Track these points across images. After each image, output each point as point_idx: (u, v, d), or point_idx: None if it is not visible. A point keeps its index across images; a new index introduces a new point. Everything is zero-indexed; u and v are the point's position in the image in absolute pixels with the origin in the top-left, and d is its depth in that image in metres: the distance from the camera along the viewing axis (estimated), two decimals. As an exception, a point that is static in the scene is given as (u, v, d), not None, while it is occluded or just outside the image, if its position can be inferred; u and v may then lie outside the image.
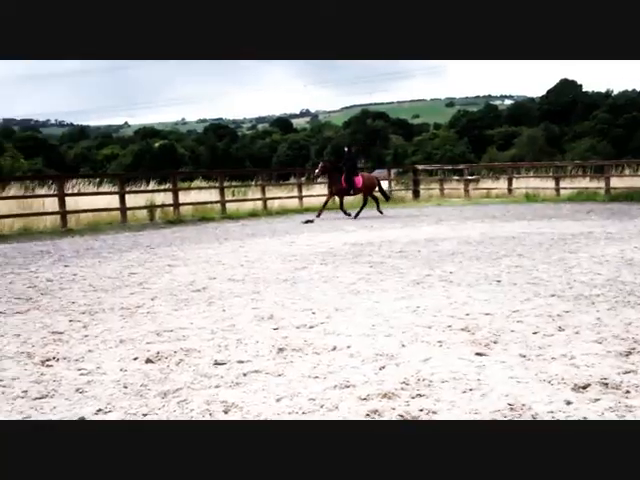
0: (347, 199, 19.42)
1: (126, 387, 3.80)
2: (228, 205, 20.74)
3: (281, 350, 4.51)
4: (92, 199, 19.05)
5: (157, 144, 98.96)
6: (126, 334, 5.07)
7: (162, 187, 22.02)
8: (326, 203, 19.26)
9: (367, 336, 4.80)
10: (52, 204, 17.47)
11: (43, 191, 19.76)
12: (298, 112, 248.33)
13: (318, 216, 18.39)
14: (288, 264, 8.74)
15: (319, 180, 21.60)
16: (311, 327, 5.14)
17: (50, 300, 6.64)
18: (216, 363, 4.23)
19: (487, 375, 3.84)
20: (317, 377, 3.89)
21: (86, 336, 5.06)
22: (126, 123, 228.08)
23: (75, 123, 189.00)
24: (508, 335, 4.74)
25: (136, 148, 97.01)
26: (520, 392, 3.54)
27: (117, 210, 18.00)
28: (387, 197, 20.57)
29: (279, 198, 23.07)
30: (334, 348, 4.52)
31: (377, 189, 19.64)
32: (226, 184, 22.14)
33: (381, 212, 19.09)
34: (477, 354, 4.28)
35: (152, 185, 22.41)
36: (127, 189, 19.43)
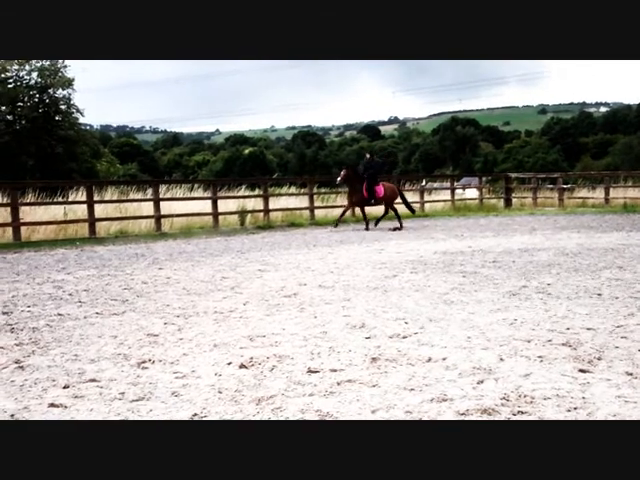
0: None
1: (221, 392, 3.80)
2: (317, 211, 20.82)
3: (374, 360, 4.42)
4: (185, 204, 19.48)
5: (247, 151, 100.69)
6: (220, 338, 5.09)
7: (253, 193, 22.31)
8: (344, 213, 18.73)
9: (463, 348, 4.66)
10: (147, 208, 17.96)
11: (138, 195, 20.32)
12: (386, 119, 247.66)
13: (336, 226, 18.00)
14: (378, 272, 8.65)
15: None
16: (404, 337, 5.04)
17: (145, 302, 6.77)
18: (309, 371, 4.19)
19: (592, 393, 3.65)
20: (413, 389, 3.78)
21: (181, 339, 5.12)
22: (217, 130, 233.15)
23: (169, 130, 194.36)
24: (612, 352, 4.51)
25: (226, 155, 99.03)
26: (629, 412, 3.34)
27: (209, 215, 18.35)
28: (412, 209, 19.30)
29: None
30: (429, 359, 4.41)
31: (399, 200, 18.52)
32: (315, 191, 22.25)
33: (401, 226, 17.89)
34: (581, 371, 4.08)
35: (243, 191, 22.69)
36: (219, 195, 19.77)
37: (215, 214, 18.36)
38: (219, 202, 18.85)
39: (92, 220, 16.26)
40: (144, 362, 4.49)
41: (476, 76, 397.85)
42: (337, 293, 7.06)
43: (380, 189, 18.01)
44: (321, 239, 14.66)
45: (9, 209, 15.50)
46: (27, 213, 16.48)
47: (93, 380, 4.07)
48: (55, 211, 17.44)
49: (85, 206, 16.59)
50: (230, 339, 5.07)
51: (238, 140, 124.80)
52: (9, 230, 15.33)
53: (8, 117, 55.16)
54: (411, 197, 24.68)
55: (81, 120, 59.30)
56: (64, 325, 5.71)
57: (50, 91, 55.55)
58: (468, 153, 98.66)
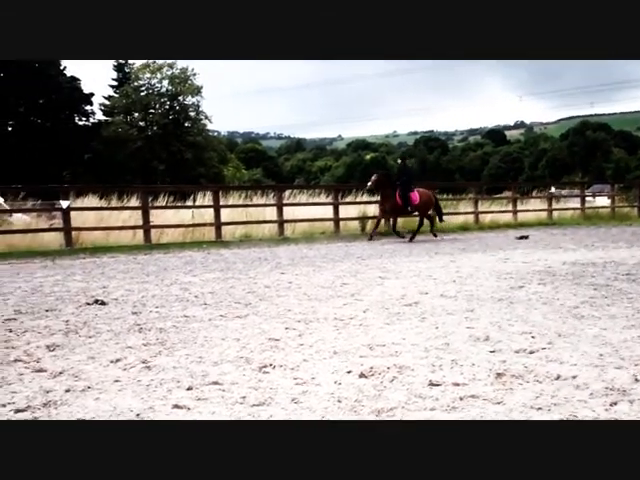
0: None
1: (340, 401, 3.76)
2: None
3: (499, 375, 4.25)
4: (308, 209, 19.71)
5: (368, 156, 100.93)
6: (340, 346, 5.06)
7: (373, 199, 22.29)
8: (379, 223, 17.63)
9: (595, 367, 4.40)
10: (271, 213, 18.30)
11: (262, 200, 20.78)
12: (512, 124, 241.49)
13: (370, 239, 16.89)
14: (503, 282, 8.37)
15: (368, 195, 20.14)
16: (531, 352, 4.82)
17: (267, 306, 6.85)
18: (431, 384, 4.08)
19: None
20: (540, 408, 3.59)
21: (301, 345, 5.12)
22: (339, 136, 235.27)
23: (292, 136, 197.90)
24: None
25: (348, 160, 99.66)
26: None
27: (331, 220, 18.47)
28: (441, 217, 18.13)
29: (491, 212, 22.46)
30: (558, 377, 4.18)
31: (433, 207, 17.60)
32: (437, 197, 21.97)
33: (435, 235, 17.14)
34: None
35: (364, 197, 22.73)
36: (341, 200, 19.88)
37: (336, 220, 18.49)
38: (340, 207, 18.95)
39: (218, 224, 16.76)
40: (265, 366, 4.51)
41: (608, 79, 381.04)
42: (460, 303, 6.88)
43: (415, 196, 16.95)
44: (443, 247, 14.42)
45: (141, 212, 16.22)
46: (157, 216, 17.18)
47: (216, 383, 4.12)
48: (183, 215, 18.11)
49: (212, 210, 17.11)
50: (350, 347, 5.02)
51: (360, 145, 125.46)
52: (140, 232, 16.04)
53: (141, 123, 57.93)
54: (539, 204, 23.94)
55: (209, 127, 61.55)
56: (189, 327, 5.85)
57: (180, 98, 57.89)
58: (599, 159, 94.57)
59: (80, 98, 55.86)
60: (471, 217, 21.56)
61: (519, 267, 9.98)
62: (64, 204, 15.23)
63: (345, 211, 19.60)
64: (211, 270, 10.35)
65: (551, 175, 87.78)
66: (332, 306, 6.81)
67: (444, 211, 18.48)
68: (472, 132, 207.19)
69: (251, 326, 5.85)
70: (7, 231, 15.32)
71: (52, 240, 15.26)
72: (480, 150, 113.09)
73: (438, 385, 4.04)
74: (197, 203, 19.27)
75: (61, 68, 55.21)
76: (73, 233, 15.15)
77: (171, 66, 57.00)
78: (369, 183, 17.31)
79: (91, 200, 19.58)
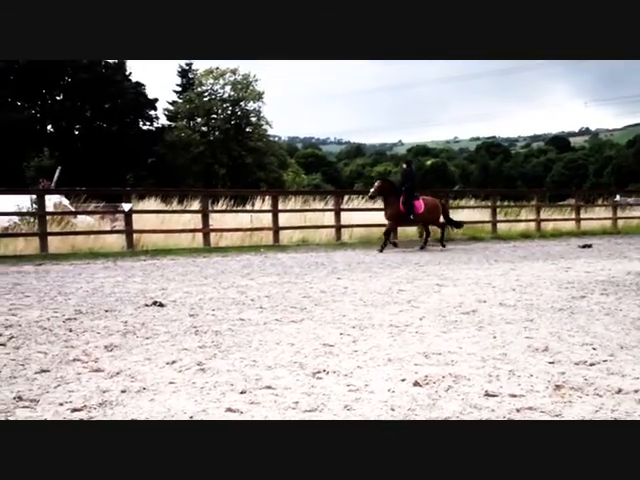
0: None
1: (393, 410, 3.70)
2: (499, 225, 20.24)
3: (558, 387, 4.13)
4: (365, 214, 19.65)
5: (428, 162, 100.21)
6: (394, 353, 5.00)
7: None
8: (395, 232, 16.82)
9: (659, 381, 4.24)
10: (328, 218, 18.31)
11: (320, 205, 20.82)
12: (576, 130, 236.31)
13: (395, 245, 16.16)
14: (564, 291, 8.17)
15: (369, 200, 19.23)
16: (592, 364, 4.67)
17: (323, 311, 6.83)
18: (487, 394, 3.99)
19: None
20: (600, 422, 3.47)
21: (355, 351, 5.08)
22: (400, 141, 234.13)
23: (352, 141, 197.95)
24: None
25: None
26: None
27: (388, 226, 18.37)
28: (458, 225, 17.38)
29: (554, 220, 22.02)
30: (619, 391, 4.04)
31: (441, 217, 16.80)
32: (498, 203, 21.64)
33: (444, 245, 16.33)
34: None
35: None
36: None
37: (394, 225, 18.38)
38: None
39: (276, 228, 16.85)
40: (319, 372, 4.49)
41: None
42: (519, 312, 6.74)
43: (419, 204, 16.05)
44: (503, 254, 14.18)
45: (201, 215, 16.43)
46: (217, 220, 17.38)
47: (269, 387, 4.12)
48: (242, 218, 18.26)
49: (270, 215, 17.23)
50: (405, 354, 4.96)
51: (420, 151, 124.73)
52: (199, 235, 16.25)
53: (203, 128, 58.78)
54: (603, 213, 23.38)
55: (270, 132, 62.00)
56: (245, 330, 5.88)
57: (242, 104, 58.51)
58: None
59: (145, 103, 57.05)
60: (532, 225, 21.18)
61: (581, 276, 9.73)
62: (126, 207, 15.55)
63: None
64: (268, 274, 10.40)
65: (617, 183, 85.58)
66: (388, 313, 6.75)
67: (503, 218, 18.04)
68: (535, 138, 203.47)
69: (306, 331, 5.84)
70: (71, 232, 15.70)
71: (114, 242, 15.59)
72: (543, 157, 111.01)
73: (494, 396, 3.95)
74: (256, 207, 19.42)
75: (127, 74, 56.49)
76: (134, 235, 15.44)
77: (234, 72, 57.74)
78: (372, 190, 16.60)
79: (152, 203, 19.94)
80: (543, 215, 22.04)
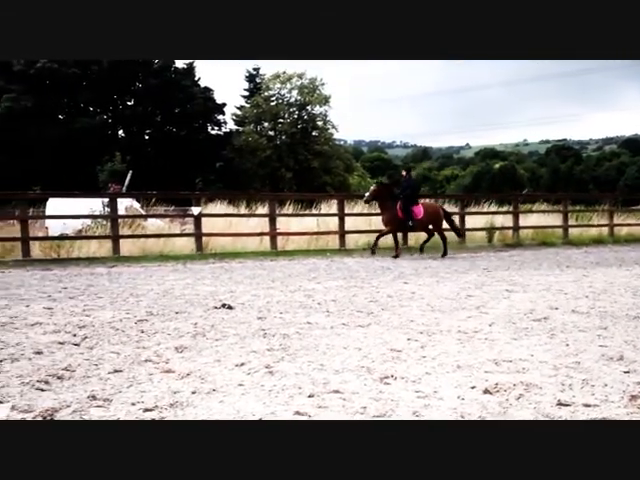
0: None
1: (463, 417, 3.65)
2: (571, 230, 19.78)
3: (634, 397, 3.99)
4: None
5: (497, 165, 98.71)
6: (463, 359, 4.93)
7: (502, 209, 21.73)
8: (395, 237, 15.68)
9: None
10: (394, 222, 18.19)
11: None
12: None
13: (396, 256, 14.93)
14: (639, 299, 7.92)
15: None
16: (671, 375, 4.51)
17: (390, 316, 6.80)
18: (559, 404, 3.89)
19: None
20: (681, 436, 3.35)
21: (423, 357, 5.03)
22: (467, 144, 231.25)
23: (418, 145, 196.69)
24: None
25: (475, 169, 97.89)
26: None
27: (456, 230, 18.17)
28: (459, 233, 16.58)
29: (628, 225, 21.40)
30: (700, 403, 3.89)
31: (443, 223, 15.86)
32: (569, 208, 21.15)
33: (445, 253, 15.42)
34: None
35: (491, 207, 22.19)
36: (467, 210, 19.55)
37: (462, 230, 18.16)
38: (466, 217, 18.62)
39: (342, 232, 16.87)
40: (387, 377, 4.46)
41: None
42: (592, 320, 6.56)
43: (419, 209, 15.39)
44: (575, 260, 13.85)
45: (268, 219, 16.58)
46: (283, 223, 17.49)
47: (337, 391, 4.11)
48: (308, 222, 18.32)
49: (336, 218, 17.25)
50: (474, 361, 4.88)
51: (488, 154, 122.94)
52: (266, 239, 16.39)
53: (270, 133, 59.30)
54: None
55: (335, 135, 62.11)
56: (312, 334, 5.89)
57: (308, 108, 58.80)
58: None
59: (213, 108, 57.92)
60: (605, 229, 20.63)
61: (658, 283, 9.42)
62: (196, 210, 15.80)
63: (472, 221, 19.23)
64: (334, 278, 10.42)
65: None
66: (456, 318, 6.66)
67: (574, 222, 17.43)
68: (607, 141, 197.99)
69: (373, 336, 5.82)
70: (142, 235, 16.05)
71: (184, 245, 15.86)
72: (616, 160, 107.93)
73: (567, 405, 3.85)
74: (322, 211, 19.47)
75: (195, 79, 57.50)
76: (203, 238, 15.68)
77: (300, 76, 58.11)
78: (367, 194, 15.99)
79: (221, 207, 20.22)
80: (616, 220, 21.45)
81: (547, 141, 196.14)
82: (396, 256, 14.82)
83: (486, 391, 4.13)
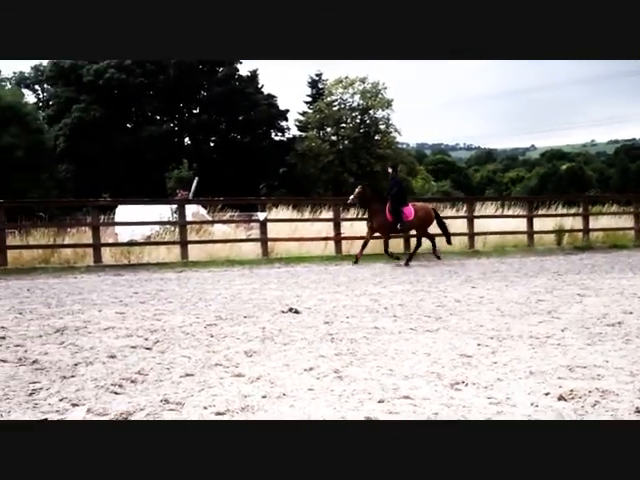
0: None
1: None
2: (643, 232, 19.21)
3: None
4: (499, 221, 19.20)
5: (564, 167, 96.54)
6: (536, 365, 4.82)
7: (570, 211, 21.24)
8: (366, 243, 14.97)
9: None
10: (461, 225, 18.02)
11: (452, 212, 20.49)
12: None
13: (356, 262, 14.48)
14: None
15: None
16: None
17: (458, 321, 6.71)
18: (637, 411, 3.76)
19: None
20: None
21: (495, 363, 4.95)
22: (532, 146, 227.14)
23: (482, 147, 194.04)
24: None
25: (542, 171, 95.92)
26: None
27: (523, 233, 17.87)
28: (448, 237, 15.36)
29: None
30: None
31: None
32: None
33: (438, 257, 14.65)
34: None
35: (560, 209, 21.71)
36: (535, 212, 19.20)
37: (530, 233, 17.87)
38: (535, 220, 18.29)
39: (407, 236, 16.74)
40: (457, 383, 4.40)
41: None
42: (670, 325, 6.34)
43: (409, 211, 14.46)
44: (648, 262, 13.42)
45: (332, 224, 16.60)
46: (347, 228, 17.48)
47: (407, 397, 4.07)
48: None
49: (400, 222, 17.13)
50: (547, 367, 4.77)
51: (555, 155, 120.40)
52: (331, 243, 16.42)
53: (333, 138, 59.44)
54: None
55: (398, 139, 61.82)
56: (380, 338, 5.86)
57: (371, 112, 58.71)
58: None
59: (276, 114, 58.48)
60: (680, 231, 19.95)
61: None
62: (261, 216, 15.97)
63: (540, 224, 18.87)
64: (400, 282, 10.35)
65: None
66: (527, 323, 6.53)
67: None
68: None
69: (442, 341, 5.75)
70: (209, 241, 16.29)
71: (249, 250, 16.03)
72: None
73: (646, 413, 3.72)
74: (387, 215, 19.36)
75: (259, 86, 58.15)
76: (269, 243, 15.82)
77: (363, 81, 58.09)
78: (351, 197, 14.97)
79: (285, 212, 20.36)
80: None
81: (616, 141, 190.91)
82: (398, 258, 14.47)
83: (561, 398, 4.02)
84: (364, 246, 14.79)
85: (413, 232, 15.47)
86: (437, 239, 15.21)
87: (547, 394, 4.12)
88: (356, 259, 14.59)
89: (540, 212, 20.57)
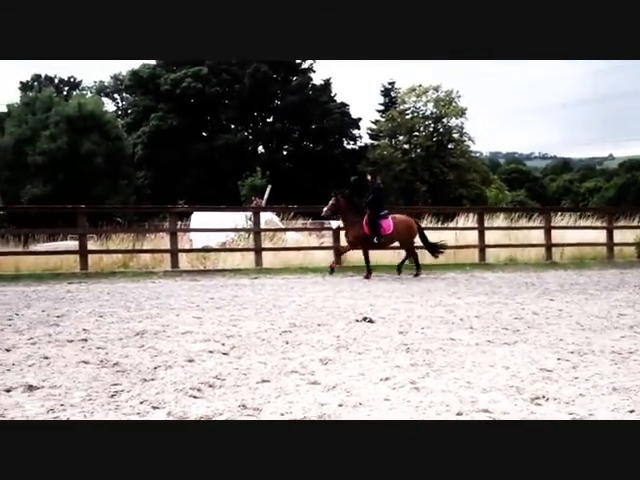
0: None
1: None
2: None
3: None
4: (577, 233, 18.74)
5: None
6: (619, 382, 4.67)
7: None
8: (341, 253, 14.32)
9: None
10: (537, 236, 17.66)
11: (527, 223, 20.09)
12: None
13: (331, 272, 13.70)
14: None
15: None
16: None
17: (537, 334, 6.56)
18: None
19: None
20: None
21: (576, 378, 4.82)
22: (610, 155, 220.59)
23: (558, 156, 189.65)
24: None
25: (620, 181, 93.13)
26: None
27: (603, 245, 17.40)
28: (433, 251, 14.50)
29: None
30: None
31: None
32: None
33: (418, 272, 13.80)
34: None
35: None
36: (615, 224, 18.66)
37: (609, 245, 17.35)
38: (615, 232, 17.78)
39: (482, 246, 16.53)
40: (537, 398, 4.30)
41: None
42: None
43: (387, 223, 13.51)
44: None
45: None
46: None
47: (486, 410, 4.00)
48: (446, 236, 18.04)
49: (475, 232, 16.92)
50: (631, 384, 4.61)
51: (634, 166, 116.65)
52: (402, 252, 16.31)
53: (405, 146, 59.24)
54: None
55: (471, 147, 61.13)
56: (456, 350, 5.79)
57: (444, 120, 58.28)
58: None
59: (349, 123, 58.70)
60: None
61: None
62: (334, 224, 15.99)
63: (620, 235, 18.32)
64: (475, 293, 10.21)
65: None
66: (608, 338, 6.34)
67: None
68: None
69: (520, 354, 5.63)
70: (283, 248, 16.43)
71: (322, 257, 16.07)
72: None
73: None
74: (459, 225, 19.16)
75: (332, 95, 58.47)
76: (341, 251, 15.83)
77: (436, 89, 57.73)
78: (325, 208, 13.96)
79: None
80: None
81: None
82: (367, 277, 13.35)
83: (646, 416, 3.89)
84: (339, 256, 14.22)
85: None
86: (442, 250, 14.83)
87: (632, 411, 3.99)
88: (331, 269, 13.86)
89: (620, 223, 19.98)
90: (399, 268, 14.12)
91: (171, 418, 3.82)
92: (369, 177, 14.51)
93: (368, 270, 13.47)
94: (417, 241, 14.59)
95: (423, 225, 17.98)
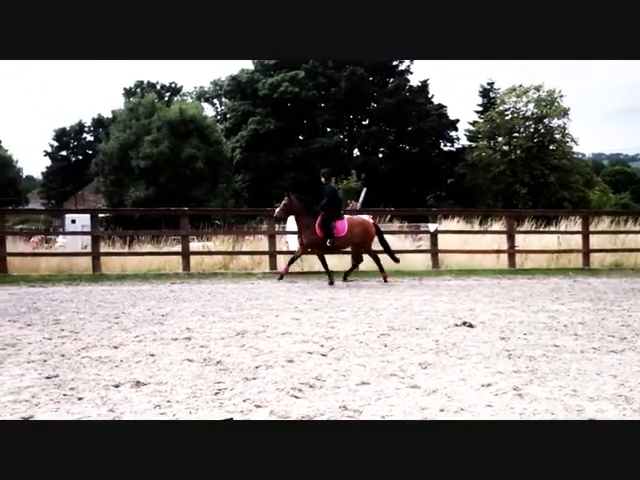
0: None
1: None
2: None
3: None
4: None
5: None
6: None
7: None
8: (295, 258, 13.45)
9: None
10: (640, 240, 16.98)
11: (634, 227, 19.27)
12: None
13: (280, 278, 13.00)
14: None
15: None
16: None
17: None
18: None
19: None
20: None
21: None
22: None
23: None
24: None
25: None
26: None
27: None
28: (394, 257, 13.53)
29: None
30: None
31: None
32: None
33: (385, 279, 12.90)
34: None
35: None
36: None
37: None
38: None
39: (586, 250, 16.01)
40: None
41: None
42: None
43: (342, 225, 12.67)
44: None
45: (505, 236, 16.18)
46: (520, 241, 16.93)
47: (593, 420, 3.88)
48: (548, 240, 17.56)
49: (579, 236, 16.40)
50: None
51: None
52: (503, 256, 16.01)
53: (504, 147, 58.04)
54: None
55: (574, 149, 59.29)
56: (561, 357, 5.62)
57: (545, 121, 56.76)
58: None
59: (446, 124, 58.04)
60: None
61: None
62: (432, 227, 15.83)
63: None
64: (580, 299, 9.88)
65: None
66: None
67: None
68: None
69: (629, 363, 5.42)
70: (379, 251, 16.36)
71: (418, 261, 15.94)
72: None
73: None
74: (562, 228, 18.58)
75: (429, 96, 57.98)
76: (438, 255, 15.66)
77: (537, 89, 56.28)
78: (277, 210, 13.38)
79: (454, 223, 20.05)
80: None
81: None
82: (331, 283, 12.57)
83: None
84: (291, 262, 13.49)
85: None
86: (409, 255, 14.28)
87: None
88: (281, 276, 13.21)
89: None
90: (345, 276, 13.28)
91: (274, 417, 3.87)
92: (323, 179, 13.39)
93: (329, 275, 12.83)
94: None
95: (524, 228, 17.62)
